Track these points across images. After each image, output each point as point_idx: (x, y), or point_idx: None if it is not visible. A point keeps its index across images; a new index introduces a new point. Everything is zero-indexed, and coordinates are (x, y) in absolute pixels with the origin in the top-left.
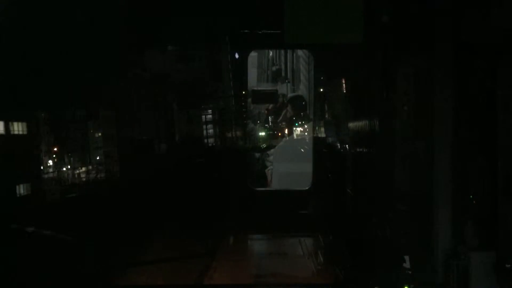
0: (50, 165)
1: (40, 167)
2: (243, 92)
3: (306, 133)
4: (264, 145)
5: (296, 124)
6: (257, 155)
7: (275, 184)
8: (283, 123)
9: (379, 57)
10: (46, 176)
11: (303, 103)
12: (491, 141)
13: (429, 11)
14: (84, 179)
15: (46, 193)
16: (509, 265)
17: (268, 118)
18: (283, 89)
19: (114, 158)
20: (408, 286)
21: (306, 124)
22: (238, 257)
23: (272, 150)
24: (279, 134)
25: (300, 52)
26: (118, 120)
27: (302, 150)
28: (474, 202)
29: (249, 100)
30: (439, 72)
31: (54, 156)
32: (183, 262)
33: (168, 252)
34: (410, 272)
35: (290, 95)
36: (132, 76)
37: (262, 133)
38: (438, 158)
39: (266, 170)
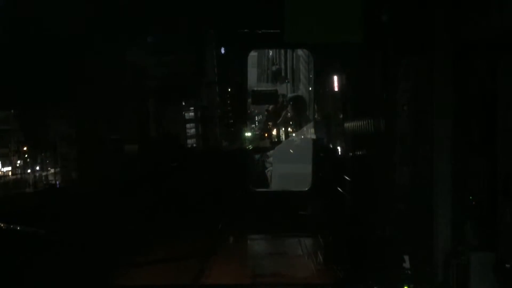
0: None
1: None
2: (229, 90)
3: (293, 134)
4: (250, 146)
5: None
6: (244, 156)
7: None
8: (271, 123)
9: (379, 57)
10: None
11: (303, 103)
12: (491, 141)
13: (429, 11)
14: (28, 186)
15: None
16: (509, 265)
17: (256, 117)
18: (282, 89)
19: (72, 160)
20: (408, 286)
21: (295, 125)
22: (238, 257)
23: (259, 152)
24: (266, 135)
25: (300, 52)
26: (79, 117)
27: (292, 151)
28: (474, 202)
29: (235, 97)
30: (439, 72)
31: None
32: (182, 262)
33: (167, 251)
34: (409, 272)
35: (289, 95)
36: (101, 69)
37: (249, 133)
38: (438, 158)
39: (265, 171)
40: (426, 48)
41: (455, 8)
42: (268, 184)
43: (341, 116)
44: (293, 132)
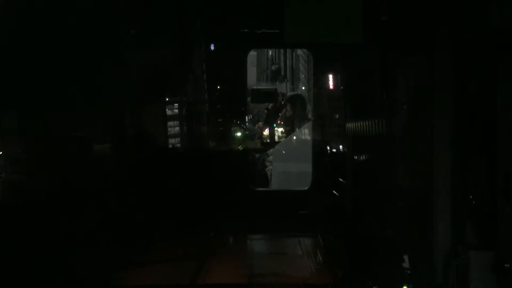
0: None
1: None
2: (218, 87)
3: (293, 133)
4: (240, 147)
5: (275, 125)
6: (232, 157)
7: None
8: (262, 123)
9: (379, 56)
10: None
11: (303, 102)
12: (491, 141)
13: (429, 10)
14: None
15: None
16: (508, 265)
17: (246, 117)
18: (282, 88)
19: (21, 164)
20: (407, 286)
21: (294, 124)
22: (237, 257)
23: (259, 151)
24: (264, 134)
25: (299, 51)
26: (29, 112)
27: (291, 150)
28: (474, 202)
29: (230, 95)
30: (439, 71)
31: None
32: (182, 262)
33: (166, 251)
34: (409, 272)
35: (289, 94)
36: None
37: (239, 133)
38: (438, 158)
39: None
40: (426, 48)
41: (455, 8)
42: (268, 184)
43: (341, 115)
44: (292, 131)
